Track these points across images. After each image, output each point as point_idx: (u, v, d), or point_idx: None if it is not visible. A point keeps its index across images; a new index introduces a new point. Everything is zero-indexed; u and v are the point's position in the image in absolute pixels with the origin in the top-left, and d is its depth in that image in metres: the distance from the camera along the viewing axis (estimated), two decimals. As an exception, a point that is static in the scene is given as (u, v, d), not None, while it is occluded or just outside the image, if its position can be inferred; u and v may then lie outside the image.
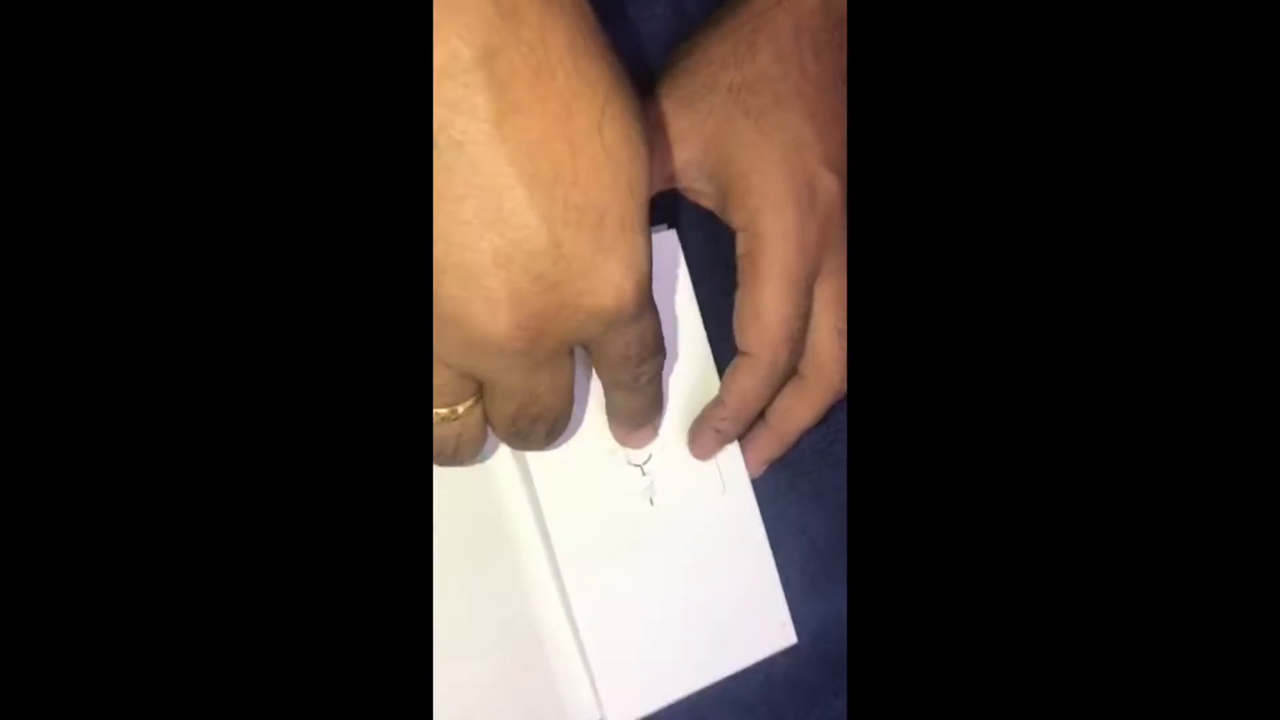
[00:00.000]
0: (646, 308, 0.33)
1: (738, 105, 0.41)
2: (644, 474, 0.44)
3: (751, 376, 0.42)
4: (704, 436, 0.44)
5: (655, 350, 0.36)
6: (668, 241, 0.44)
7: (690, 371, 0.45)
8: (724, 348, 0.46)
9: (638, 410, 0.40)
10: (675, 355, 0.44)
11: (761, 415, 0.45)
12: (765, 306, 0.41)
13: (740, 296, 0.42)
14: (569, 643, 0.43)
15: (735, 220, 0.43)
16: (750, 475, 0.45)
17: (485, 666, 0.40)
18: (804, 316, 0.42)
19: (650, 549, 0.43)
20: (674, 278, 0.44)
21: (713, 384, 0.45)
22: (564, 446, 0.42)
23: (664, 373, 0.43)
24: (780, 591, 0.45)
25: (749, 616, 0.45)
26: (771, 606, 0.44)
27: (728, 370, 0.43)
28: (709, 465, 0.45)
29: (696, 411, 0.44)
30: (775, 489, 0.47)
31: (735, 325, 0.43)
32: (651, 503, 0.44)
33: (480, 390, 0.33)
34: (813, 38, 0.41)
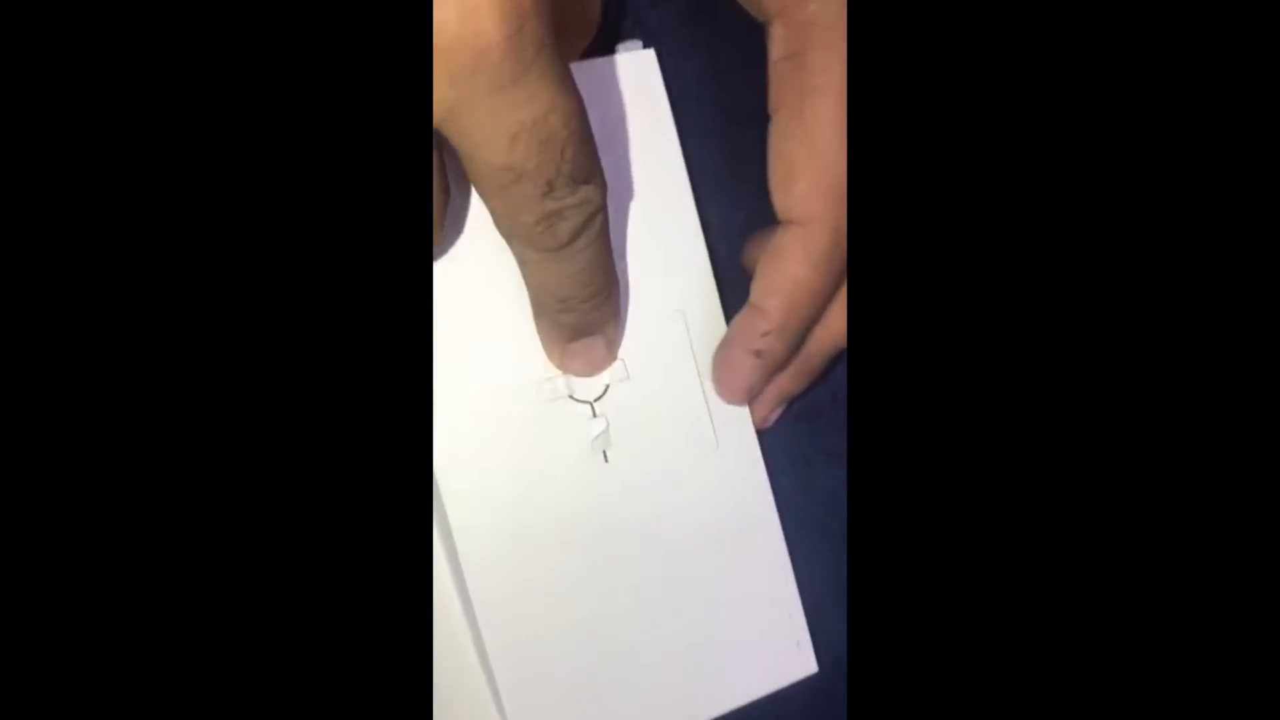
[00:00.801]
0: (533, 64, 0.20)
1: None
2: (595, 415, 0.29)
3: (805, 259, 0.27)
4: (735, 366, 0.29)
5: (574, 168, 0.22)
6: (642, 63, 0.30)
7: (668, 255, 0.29)
8: (723, 224, 0.31)
9: (569, 296, 0.25)
10: (646, 227, 0.29)
11: None
12: (827, 137, 0.26)
13: (778, 129, 0.28)
14: (473, 666, 0.29)
15: (769, 3, 0.28)
16: (757, 424, 0.30)
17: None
18: None
19: (602, 531, 0.29)
20: (651, 112, 0.29)
21: (703, 276, 0.30)
22: (468, 365, 0.27)
23: (628, 252, 0.28)
24: (796, 599, 0.31)
25: (750, 634, 0.30)
26: (784, 620, 0.31)
27: (767, 253, 0.28)
28: (693, 406, 0.30)
29: (673, 317, 0.29)
30: (795, 446, 0.32)
31: (772, 177, 0.28)
32: (606, 460, 0.29)
33: None
34: None
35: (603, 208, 0.23)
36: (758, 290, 0.28)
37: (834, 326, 0.29)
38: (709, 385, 0.30)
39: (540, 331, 0.27)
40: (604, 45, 0.30)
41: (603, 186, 0.23)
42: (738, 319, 0.29)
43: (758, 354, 0.28)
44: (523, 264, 0.25)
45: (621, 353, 0.29)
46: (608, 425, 0.29)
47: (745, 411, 0.30)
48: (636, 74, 0.29)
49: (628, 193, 0.29)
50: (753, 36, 0.29)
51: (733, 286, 0.30)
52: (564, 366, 0.28)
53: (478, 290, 0.27)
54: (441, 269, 0.27)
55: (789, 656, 0.31)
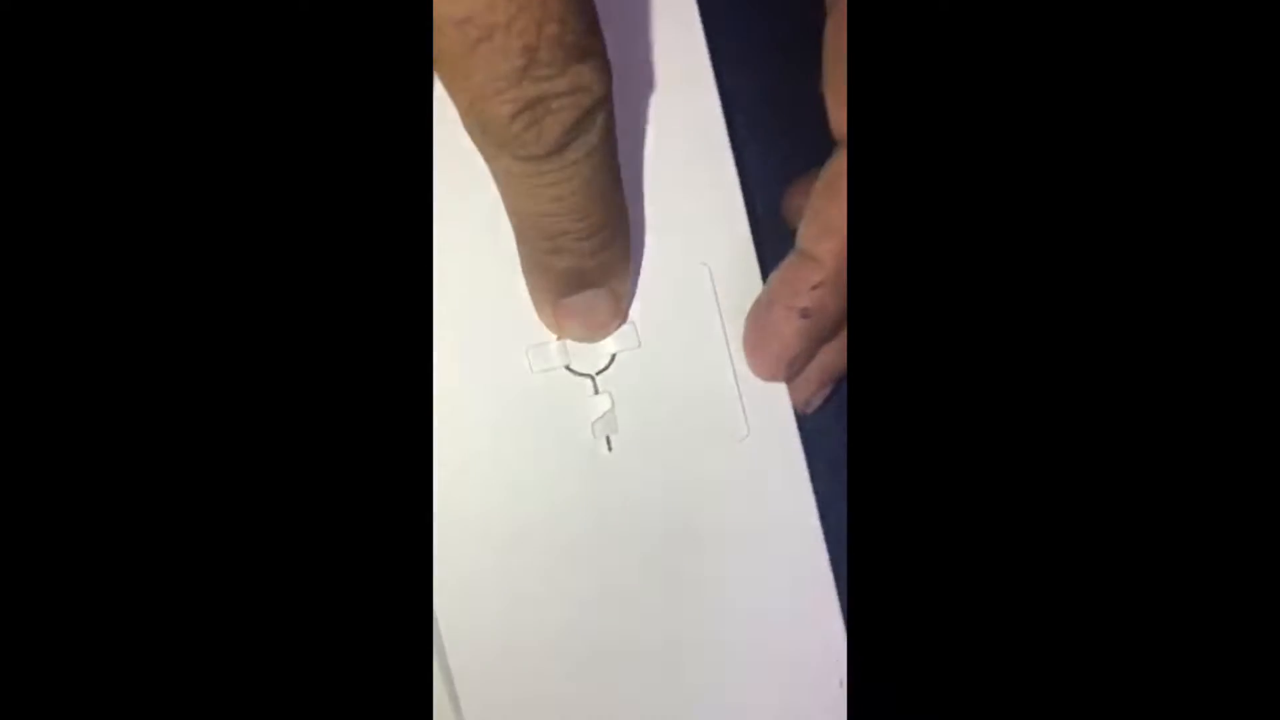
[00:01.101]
0: None
1: None
2: (597, 392, 0.23)
3: None
4: (774, 329, 0.23)
5: (564, 33, 0.17)
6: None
7: (691, 193, 0.24)
8: (758, 165, 0.25)
9: (562, 230, 0.20)
10: (666, 157, 0.24)
11: None
12: None
13: (838, 24, 0.23)
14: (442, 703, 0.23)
15: None
16: (798, 407, 0.25)
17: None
18: None
19: (601, 537, 0.23)
20: (677, 21, 0.24)
21: (735, 221, 0.24)
22: (437, 326, 0.22)
23: (643, 186, 0.23)
24: (841, 627, 0.25)
25: (782, 669, 0.25)
26: (823, 653, 0.25)
27: (820, 186, 0.23)
28: (719, 383, 0.24)
29: (697, 272, 0.24)
30: (842, 439, 0.26)
31: (828, 85, 0.23)
32: (610, 448, 0.23)
33: None
34: None
35: (605, 103, 0.18)
36: (808, 233, 0.23)
37: None
38: (739, 357, 0.24)
39: (528, 281, 0.22)
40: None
41: (605, 74, 0.18)
42: (780, 270, 0.23)
43: (804, 313, 0.23)
44: (501, 183, 0.19)
45: (632, 314, 0.23)
46: (612, 405, 0.23)
47: (783, 391, 0.24)
48: None
49: (643, 112, 0.23)
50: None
51: (769, 239, 0.25)
52: (558, 328, 0.22)
53: (448, 227, 0.22)
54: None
55: (830, 700, 0.25)
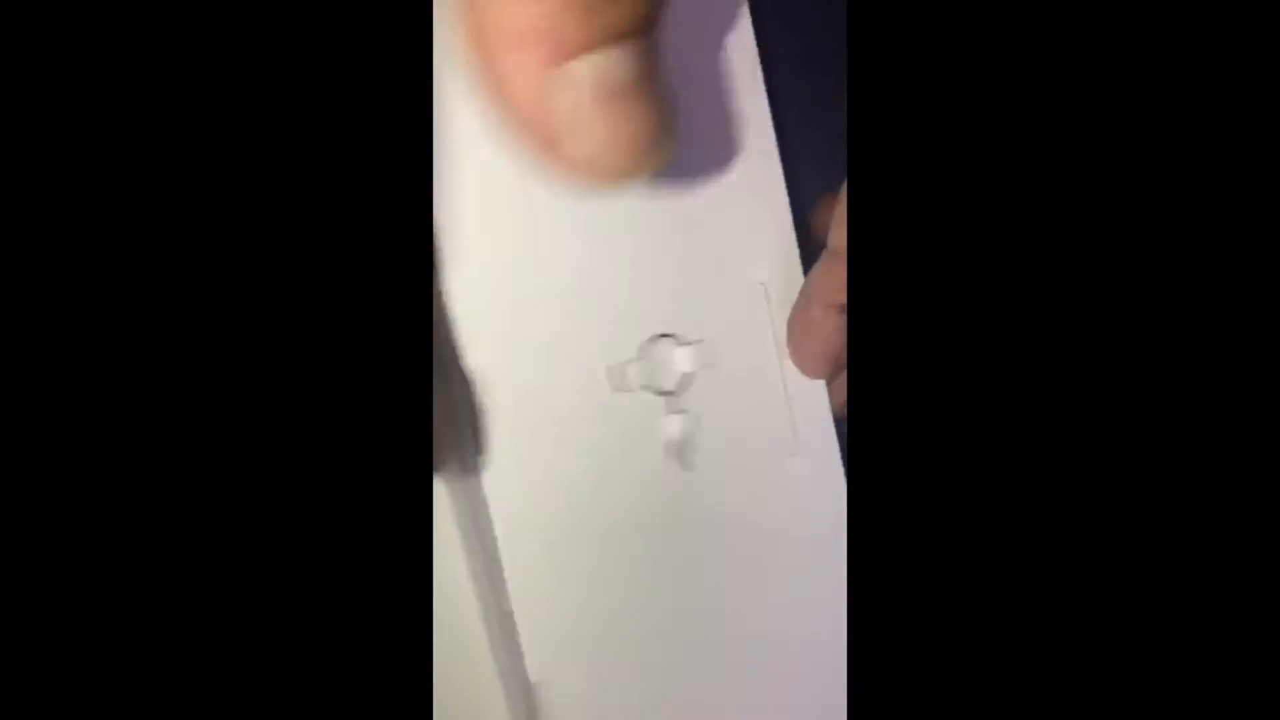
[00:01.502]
0: None
1: None
2: (674, 411, 0.22)
3: None
4: (816, 327, 0.23)
5: None
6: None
7: (747, 211, 0.24)
8: (798, 181, 0.25)
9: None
10: (722, 177, 0.23)
11: None
12: None
13: None
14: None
15: None
16: (837, 409, 0.26)
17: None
18: None
19: (663, 555, 0.23)
20: (729, 25, 0.23)
21: (785, 239, 0.24)
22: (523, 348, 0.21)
23: (693, 197, 0.23)
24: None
25: (825, 687, 0.25)
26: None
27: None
28: (774, 400, 0.24)
29: (754, 291, 0.24)
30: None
31: None
32: (683, 467, 0.23)
33: None
34: None
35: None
36: (839, 233, 0.23)
37: None
38: (790, 373, 0.24)
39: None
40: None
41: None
42: (814, 271, 0.23)
43: (843, 309, 0.23)
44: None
45: (697, 333, 0.23)
46: (684, 424, 0.22)
47: (827, 410, 0.25)
48: None
49: (695, 121, 0.23)
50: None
51: (809, 259, 0.25)
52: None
53: (532, 246, 0.21)
54: (493, 227, 0.20)
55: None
